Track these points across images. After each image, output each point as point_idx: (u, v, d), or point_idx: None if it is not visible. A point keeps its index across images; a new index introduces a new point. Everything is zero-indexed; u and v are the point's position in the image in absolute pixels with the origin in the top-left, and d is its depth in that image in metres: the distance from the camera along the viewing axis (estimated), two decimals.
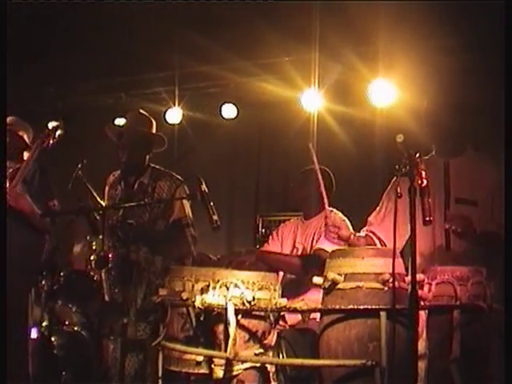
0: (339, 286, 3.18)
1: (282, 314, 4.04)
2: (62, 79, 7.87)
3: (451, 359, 3.21)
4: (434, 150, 4.06)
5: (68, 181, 4.58)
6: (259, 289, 3.28)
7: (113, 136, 4.89)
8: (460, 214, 3.74)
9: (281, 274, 4.66)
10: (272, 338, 3.36)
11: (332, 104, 6.99)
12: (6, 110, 4.64)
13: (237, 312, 3.19)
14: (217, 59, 6.85)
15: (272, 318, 3.37)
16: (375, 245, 3.96)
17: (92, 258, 4.23)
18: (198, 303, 3.20)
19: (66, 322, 6.09)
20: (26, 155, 5.15)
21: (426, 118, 4.04)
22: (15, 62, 6.97)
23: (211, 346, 3.25)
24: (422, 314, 3.26)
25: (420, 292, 3.10)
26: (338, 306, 3.16)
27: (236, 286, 3.24)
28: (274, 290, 3.36)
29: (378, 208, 4.18)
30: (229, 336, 3.14)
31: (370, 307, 3.10)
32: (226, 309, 3.17)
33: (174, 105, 7.71)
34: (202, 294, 3.24)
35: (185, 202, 4.71)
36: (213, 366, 3.21)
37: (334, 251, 3.39)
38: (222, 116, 7.67)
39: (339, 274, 3.18)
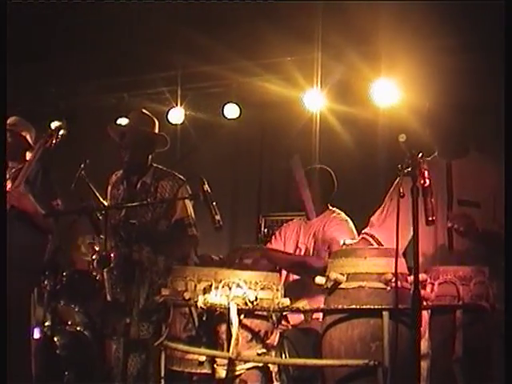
0: (342, 285, 3.18)
1: (285, 313, 4.04)
2: (65, 79, 7.87)
3: (454, 359, 3.21)
4: (437, 151, 4.06)
5: (71, 181, 4.58)
6: (262, 289, 3.28)
7: (115, 136, 4.89)
8: (462, 213, 3.74)
9: (284, 273, 4.66)
10: (274, 338, 3.36)
11: (334, 104, 6.98)
12: (6, 110, 4.64)
13: (239, 312, 3.19)
14: (219, 59, 6.85)
15: (274, 317, 3.37)
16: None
17: (94, 257, 4.22)
18: (200, 303, 3.20)
19: (69, 322, 6.10)
20: (28, 155, 5.16)
21: (428, 119, 4.04)
22: (18, 62, 6.99)
23: (214, 345, 3.25)
24: (425, 314, 3.26)
25: (422, 292, 3.10)
26: (340, 306, 3.16)
27: (238, 285, 3.24)
28: (277, 289, 3.36)
29: (380, 209, 4.18)
30: (231, 336, 3.14)
31: (372, 307, 3.10)
32: (228, 309, 3.17)
33: (177, 105, 7.70)
34: (204, 293, 3.24)
35: (187, 201, 4.71)
36: (215, 365, 3.21)
37: (336, 251, 3.39)
38: (224, 116, 7.66)
39: (342, 274, 3.18)
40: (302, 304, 3.36)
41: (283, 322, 4.04)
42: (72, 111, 7.55)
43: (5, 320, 4.15)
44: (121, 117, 6.98)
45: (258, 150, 8.40)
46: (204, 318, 3.25)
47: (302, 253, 4.74)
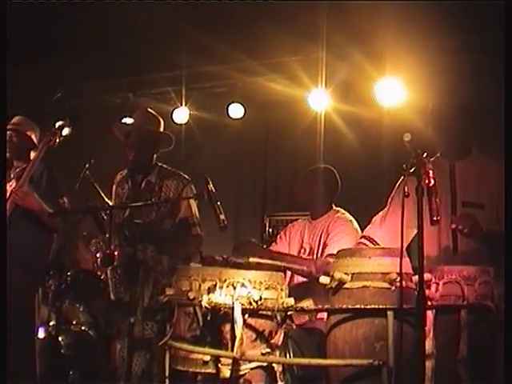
0: (346, 285, 3.17)
1: (289, 313, 4.04)
2: (69, 79, 7.88)
3: (458, 359, 3.21)
4: (439, 151, 4.05)
5: (75, 180, 4.59)
6: (266, 288, 3.28)
7: (120, 135, 4.89)
8: (466, 214, 3.74)
9: (288, 273, 4.66)
10: (279, 338, 3.35)
11: (339, 103, 6.98)
12: (6, 110, 4.65)
13: (244, 311, 3.18)
14: (224, 59, 6.85)
15: (279, 317, 3.37)
16: None
17: (98, 255, 4.23)
18: (204, 303, 3.19)
19: (74, 322, 6.11)
20: (33, 155, 5.17)
21: (431, 119, 4.03)
22: (23, 62, 7.01)
23: (218, 345, 3.24)
24: (430, 314, 3.25)
25: (427, 292, 3.10)
26: (345, 306, 3.15)
27: (243, 285, 3.24)
28: (281, 289, 3.36)
29: (383, 210, 4.18)
30: (236, 335, 3.14)
31: (377, 307, 3.09)
32: (232, 308, 3.17)
33: (181, 104, 7.70)
34: (208, 293, 3.23)
35: (191, 201, 4.71)
36: (220, 365, 3.20)
37: (340, 251, 3.39)
38: (228, 116, 7.66)
39: (346, 274, 3.17)
40: (307, 304, 3.34)
41: (288, 322, 4.03)
42: (76, 111, 7.57)
43: (5, 320, 4.15)
44: (125, 117, 6.99)
45: (262, 150, 8.39)
46: (208, 318, 3.25)
47: (307, 253, 4.74)
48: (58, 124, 5.00)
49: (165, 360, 3.45)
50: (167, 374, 3.45)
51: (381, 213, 4.19)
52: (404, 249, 3.18)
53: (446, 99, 4.07)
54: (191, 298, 3.26)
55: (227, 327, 3.22)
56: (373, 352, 3.08)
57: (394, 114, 6.53)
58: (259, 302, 3.21)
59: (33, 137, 5.26)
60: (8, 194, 4.92)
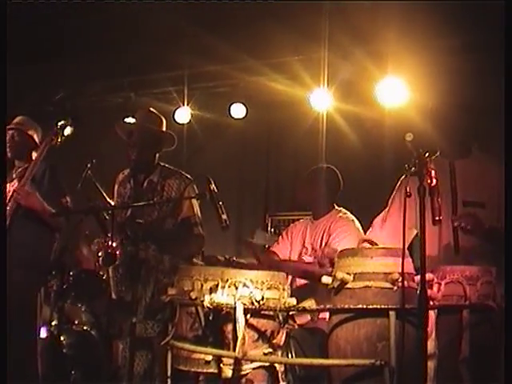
0: (348, 285, 3.17)
1: (291, 313, 4.03)
2: (71, 79, 7.88)
3: (460, 359, 3.21)
4: (439, 151, 4.04)
5: (77, 180, 4.59)
6: (268, 288, 3.28)
7: (123, 134, 4.89)
8: (468, 212, 3.74)
9: None
10: (281, 338, 3.35)
11: (341, 103, 6.98)
12: (6, 110, 4.65)
13: (246, 311, 3.18)
14: (226, 59, 6.85)
15: (281, 317, 3.37)
16: None
17: (100, 254, 4.23)
18: (206, 302, 3.19)
19: (76, 322, 6.11)
20: (34, 155, 5.18)
21: (431, 118, 4.03)
22: (25, 62, 7.01)
23: (220, 345, 3.24)
24: (432, 314, 3.25)
25: (429, 292, 3.09)
26: (347, 306, 3.15)
27: (245, 285, 3.24)
28: (283, 289, 3.36)
29: (383, 211, 4.18)
30: (237, 335, 3.14)
31: (379, 307, 3.09)
32: (234, 308, 3.17)
33: (183, 104, 7.70)
34: (210, 293, 3.23)
35: (194, 201, 4.71)
36: (222, 365, 3.20)
37: (342, 251, 3.39)
38: (231, 115, 7.66)
39: (348, 274, 3.17)
40: (309, 303, 3.34)
41: (290, 322, 4.03)
42: (78, 111, 7.57)
43: (5, 320, 4.15)
44: (127, 116, 6.99)
45: (264, 150, 8.40)
46: (210, 318, 3.25)
47: (309, 253, 4.74)
48: (60, 124, 5.00)
49: (167, 360, 3.45)
50: (169, 373, 3.45)
51: (380, 215, 4.19)
52: (406, 249, 3.18)
53: (448, 99, 4.07)
54: (193, 297, 3.26)
55: (229, 327, 3.22)
56: (375, 352, 3.08)
57: (396, 113, 6.53)
58: (261, 302, 3.21)
59: (35, 137, 5.26)
60: (10, 194, 4.92)
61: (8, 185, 5.05)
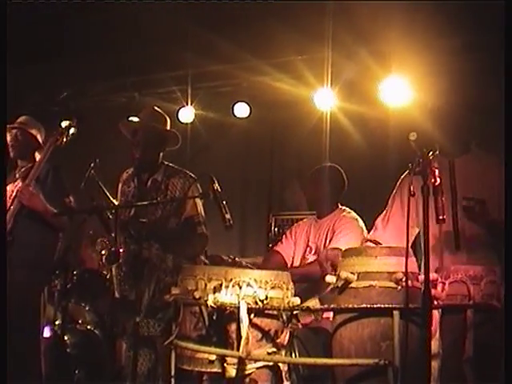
0: (352, 284, 3.17)
1: (295, 312, 4.03)
2: (75, 79, 7.89)
3: (464, 359, 3.20)
4: (439, 148, 4.04)
5: (81, 180, 4.59)
6: (272, 288, 3.27)
7: (127, 132, 4.90)
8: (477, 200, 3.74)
9: None
10: (285, 337, 3.35)
11: (345, 103, 6.97)
12: (6, 110, 4.66)
13: (249, 311, 3.18)
14: (229, 58, 6.84)
15: (285, 316, 3.37)
16: None
17: (103, 252, 4.23)
18: (210, 302, 3.19)
19: (79, 321, 6.12)
20: (37, 155, 5.18)
21: (431, 117, 4.02)
22: (28, 62, 7.01)
23: (224, 344, 3.24)
24: (436, 314, 3.24)
25: (433, 291, 3.09)
26: (350, 305, 3.15)
27: (249, 284, 3.23)
28: (287, 288, 3.35)
29: (384, 211, 4.18)
30: (241, 335, 3.13)
31: (383, 306, 3.09)
32: (238, 308, 3.16)
33: (187, 104, 7.69)
34: (214, 292, 3.23)
35: (197, 200, 4.71)
36: (225, 364, 3.20)
37: (346, 250, 3.39)
38: (234, 115, 7.66)
39: (352, 273, 3.17)
40: (312, 303, 3.34)
41: (293, 321, 4.03)
42: (83, 111, 7.58)
43: (5, 319, 4.15)
44: (131, 116, 6.98)
45: (268, 149, 8.39)
46: (214, 317, 3.25)
47: (313, 252, 4.74)
48: (64, 124, 5.00)
49: (170, 359, 3.45)
50: (173, 373, 3.45)
51: (382, 215, 4.18)
52: (409, 248, 3.18)
53: (449, 98, 4.06)
54: (197, 297, 3.26)
55: (233, 326, 3.21)
56: (378, 351, 3.08)
57: (400, 113, 6.52)
58: (265, 302, 3.21)
59: (38, 137, 5.26)
60: (14, 194, 4.93)
61: (11, 185, 5.06)
